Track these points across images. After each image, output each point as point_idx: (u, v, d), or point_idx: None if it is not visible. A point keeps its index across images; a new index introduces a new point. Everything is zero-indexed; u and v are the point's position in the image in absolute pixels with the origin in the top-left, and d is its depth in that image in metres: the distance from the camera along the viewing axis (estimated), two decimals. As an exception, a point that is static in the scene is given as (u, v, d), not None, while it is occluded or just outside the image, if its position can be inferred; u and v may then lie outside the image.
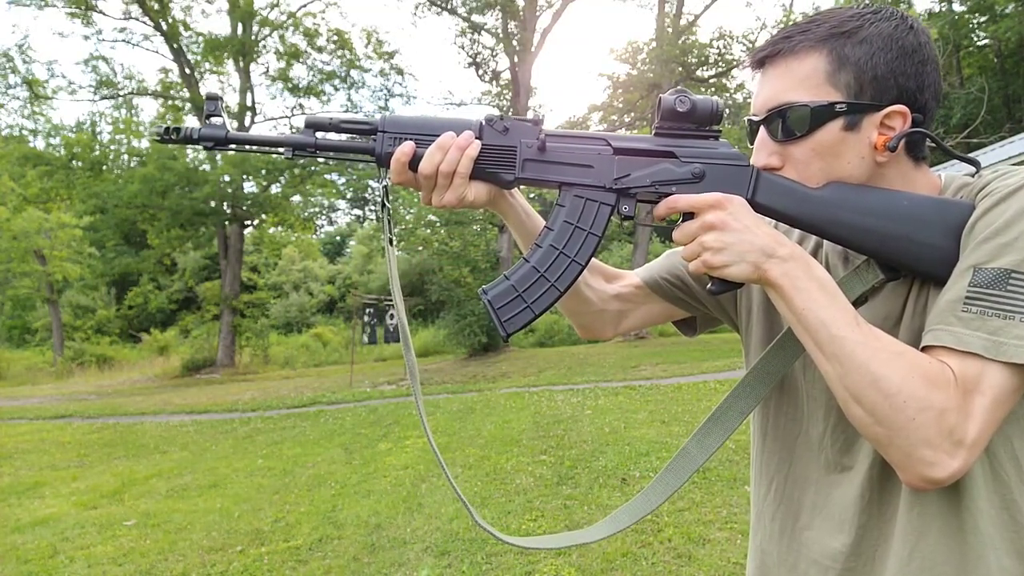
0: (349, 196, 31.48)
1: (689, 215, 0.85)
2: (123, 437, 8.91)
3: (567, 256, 0.91)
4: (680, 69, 18.76)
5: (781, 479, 0.97)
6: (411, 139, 0.89)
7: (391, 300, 17.15)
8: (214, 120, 0.89)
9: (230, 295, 21.15)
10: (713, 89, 20.42)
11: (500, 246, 18.82)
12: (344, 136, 0.91)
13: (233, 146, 0.90)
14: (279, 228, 26.09)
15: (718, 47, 19.34)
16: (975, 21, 19.52)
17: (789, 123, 0.86)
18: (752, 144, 0.93)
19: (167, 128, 0.87)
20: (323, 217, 42.49)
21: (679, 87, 0.92)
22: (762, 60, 0.89)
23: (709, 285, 0.87)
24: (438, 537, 4.17)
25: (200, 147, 0.89)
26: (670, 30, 19.36)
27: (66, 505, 5.55)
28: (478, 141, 0.89)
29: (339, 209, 43.03)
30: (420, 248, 19.28)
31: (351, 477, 5.85)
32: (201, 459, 7.20)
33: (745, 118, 0.93)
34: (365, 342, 15.88)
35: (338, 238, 45.21)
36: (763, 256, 0.80)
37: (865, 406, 0.74)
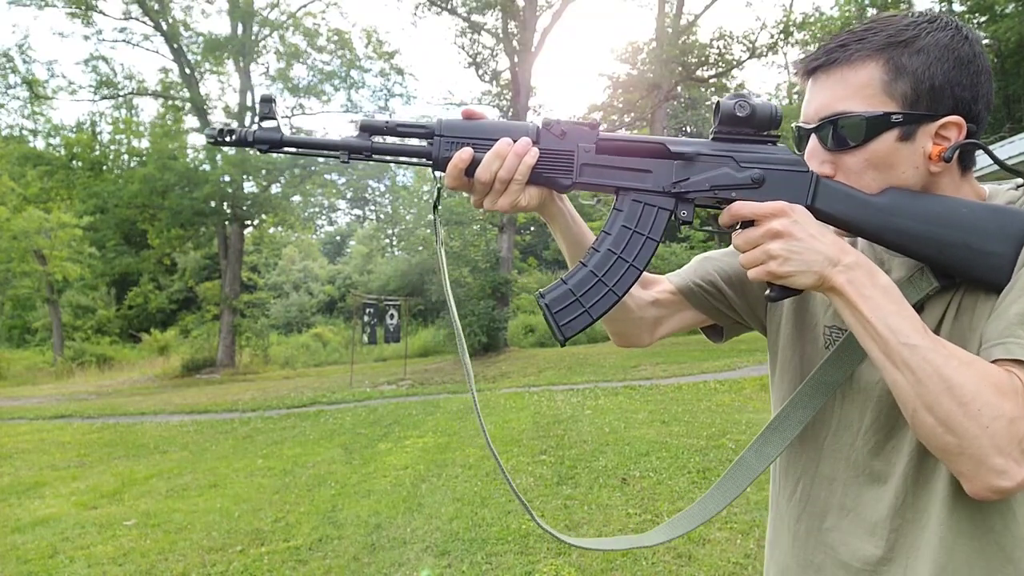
0: (349, 196, 31.52)
1: (749, 222, 0.85)
2: (123, 437, 8.91)
3: (625, 260, 0.90)
4: (680, 69, 18.74)
5: (808, 480, 0.97)
6: (469, 144, 0.88)
7: (391, 300, 17.09)
8: (268, 123, 0.86)
9: (230, 295, 21.14)
10: (713, 89, 20.43)
11: (500, 246, 18.81)
12: (397, 140, 0.90)
13: (288, 149, 0.88)
14: (279, 228, 26.08)
15: (718, 47, 19.30)
16: (975, 21, 19.49)
17: (842, 132, 0.86)
18: (799, 151, 0.93)
19: (221, 130, 0.85)
20: (323, 217, 42.63)
21: (738, 92, 0.91)
22: (814, 68, 0.89)
23: (768, 292, 0.87)
24: (438, 537, 4.17)
25: (255, 150, 0.87)
26: (670, 30, 19.36)
27: (66, 505, 5.55)
28: (536, 148, 0.88)
29: (339, 209, 43.17)
30: (420, 248, 19.27)
31: (351, 477, 5.85)
32: (201, 459, 7.20)
33: (793, 124, 0.93)
34: (365, 342, 15.87)
35: (338, 238, 45.23)
36: (829, 265, 0.79)
37: (938, 415, 0.73)
